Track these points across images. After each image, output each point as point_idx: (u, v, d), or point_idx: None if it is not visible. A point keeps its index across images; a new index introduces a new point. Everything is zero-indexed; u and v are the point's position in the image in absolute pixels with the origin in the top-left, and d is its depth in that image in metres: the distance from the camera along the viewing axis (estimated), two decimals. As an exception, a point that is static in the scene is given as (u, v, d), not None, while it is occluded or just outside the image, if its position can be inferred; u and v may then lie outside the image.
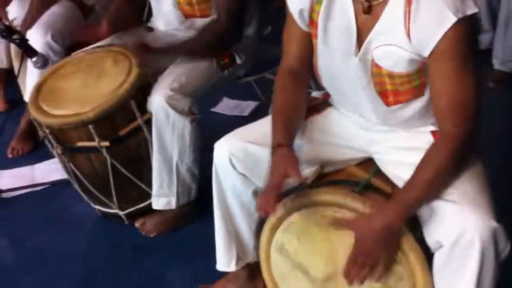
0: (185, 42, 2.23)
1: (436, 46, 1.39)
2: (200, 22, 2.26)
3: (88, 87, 2.15)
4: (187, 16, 2.27)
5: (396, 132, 1.64)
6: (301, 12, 1.58)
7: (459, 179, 1.49)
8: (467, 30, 1.38)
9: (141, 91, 2.12)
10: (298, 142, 1.66)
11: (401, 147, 1.61)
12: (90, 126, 2.06)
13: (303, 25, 1.61)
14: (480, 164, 1.58)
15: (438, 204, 1.45)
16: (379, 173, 1.67)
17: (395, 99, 1.56)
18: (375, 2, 1.47)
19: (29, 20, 2.68)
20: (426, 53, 1.41)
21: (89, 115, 2.05)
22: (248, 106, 3.04)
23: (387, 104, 1.57)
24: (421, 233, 1.50)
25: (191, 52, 2.22)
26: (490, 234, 1.37)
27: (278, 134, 1.60)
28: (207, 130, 2.23)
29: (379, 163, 1.69)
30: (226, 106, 3.09)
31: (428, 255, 1.49)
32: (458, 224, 1.39)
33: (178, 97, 2.08)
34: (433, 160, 1.45)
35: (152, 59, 2.22)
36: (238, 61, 2.31)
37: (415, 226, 1.52)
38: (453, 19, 1.35)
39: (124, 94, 2.07)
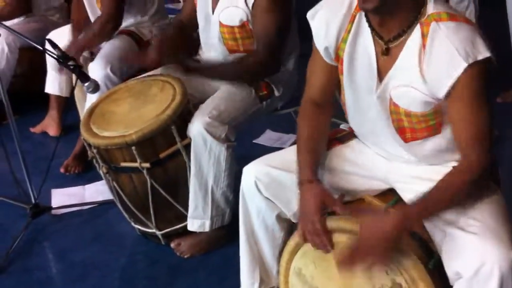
0: (222, 65, 2.33)
1: (450, 90, 1.47)
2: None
3: (135, 111, 2.30)
4: (231, 51, 2.37)
5: (418, 165, 1.70)
6: (326, 49, 1.68)
7: (480, 210, 1.53)
8: (479, 72, 1.45)
9: (182, 117, 2.25)
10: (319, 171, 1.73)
11: (423, 177, 1.66)
12: (133, 148, 2.20)
13: (328, 60, 1.71)
14: (501, 195, 1.62)
15: (458, 235, 1.49)
16: (397, 204, 1.71)
17: (412, 135, 1.63)
18: (392, 45, 1.56)
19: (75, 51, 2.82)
20: (441, 95, 1.49)
21: (132, 137, 2.19)
22: (290, 139, 3.12)
23: (405, 140, 1.65)
24: (434, 263, 1.54)
25: (226, 77, 2.33)
26: (510, 265, 1.40)
27: (306, 169, 1.66)
28: (247, 160, 2.33)
29: (400, 192, 1.74)
30: (268, 138, 3.19)
31: (444, 285, 1.52)
32: (478, 256, 1.43)
33: (216, 124, 2.19)
34: (451, 182, 1.52)
35: (195, 87, 2.37)
36: (276, 93, 2.42)
37: (428, 256, 1.56)
38: (464, 65, 1.43)
39: (166, 119, 2.21)
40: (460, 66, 1.44)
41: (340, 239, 1.59)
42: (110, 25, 2.87)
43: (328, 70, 1.73)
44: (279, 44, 2.29)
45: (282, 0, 2.26)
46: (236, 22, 2.29)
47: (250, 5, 2.25)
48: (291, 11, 2.34)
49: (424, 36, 1.50)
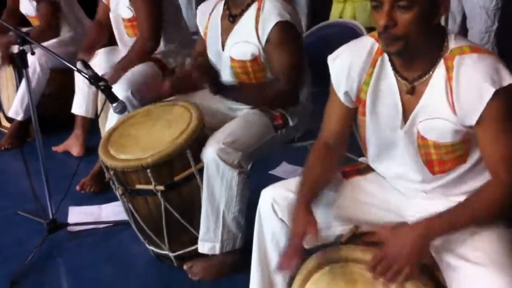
0: (246, 92, 2.43)
1: (481, 116, 1.54)
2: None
3: (152, 135, 2.36)
4: None
5: (434, 199, 1.74)
6: (346, 93, 1.75)
7: (487, 242, 1.56)
8: (506, 97, 1.53)
9: (197, 142, 2.30)
10: (332, 198, 1.80)
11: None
12: (148, 171, 2.25)
13: (348, 103, 1.77)
14: (509, 230, 1.64)
15: (465, 267, 1.52)
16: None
17: (440, 168, 1.68)
18: (417, 83, 1.63)
19: (115, 77, 2.92)
20: (472, 122, 1.55)
21: (148, 161, 2.24)
22: (305, 172, 3.15)
23: (433, 173, 1.70)
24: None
25: (250, 103, 2.44)
26: None
27: (301, 193, 1.73)
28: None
29: None
30: (284, 170, 3.22)
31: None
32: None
33: (229, 150, 2.24)
34: (480, 197, 1.58)
35: (212, 114, 2.45)
36: (291, 123, 2.46)
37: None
38: (492, 90, 1.51)
39: (181, 144, 2.26)
40: (489, 92, 1.51)
41: (354, 269, 1.62)
42: (149, 44, 2.96)
43: (343, 115, 1.80)
44: (296, 76, 2.38)
45: (293, 35, 2.36)
46: (247, 57, 2.38)
47: (263, 41, 2.34)
48: (302, 45, 2.43)
49: (448, 69, 1.58)
